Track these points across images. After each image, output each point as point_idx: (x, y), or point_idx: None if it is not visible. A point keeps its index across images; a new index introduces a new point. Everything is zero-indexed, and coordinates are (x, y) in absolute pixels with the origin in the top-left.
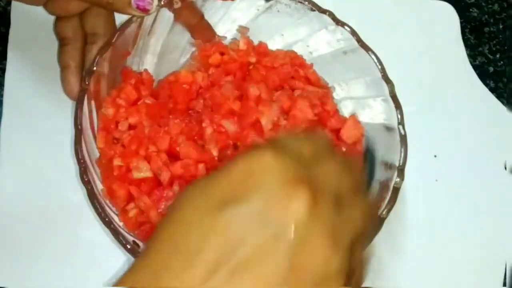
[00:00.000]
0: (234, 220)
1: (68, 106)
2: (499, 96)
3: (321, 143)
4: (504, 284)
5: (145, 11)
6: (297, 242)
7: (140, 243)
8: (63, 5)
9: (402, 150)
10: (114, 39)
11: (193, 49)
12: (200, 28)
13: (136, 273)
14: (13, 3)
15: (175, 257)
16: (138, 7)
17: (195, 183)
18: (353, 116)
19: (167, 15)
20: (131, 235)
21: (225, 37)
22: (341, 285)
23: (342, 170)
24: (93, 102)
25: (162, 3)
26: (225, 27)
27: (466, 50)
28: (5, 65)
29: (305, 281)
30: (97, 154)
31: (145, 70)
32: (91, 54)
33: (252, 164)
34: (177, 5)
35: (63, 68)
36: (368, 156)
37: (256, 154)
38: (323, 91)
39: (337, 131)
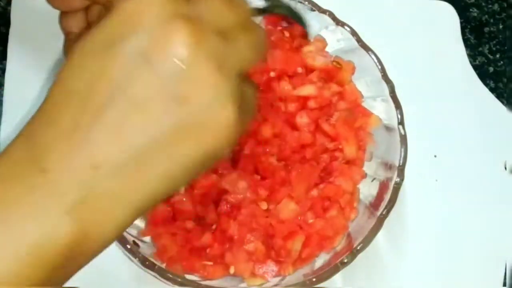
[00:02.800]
0: (119, 60)
1: None
2: (499, 96)
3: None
4: (504, 284)
5: None
6: (183, 75)
7: (140, 243)
8: (67, 0)
9: (402, 150)
10: None
11: None
12: None
13: (33, 122)
14: (13, 3)
15: (67, 103)
16: None
17: (88, 31)
18: None
19: None
20: (130, 234)
21: None
22: (233, 112)
23: (228, 4)
24: None
25: None
26: None
27: (466, 50)
28: (5, 65)
29: (195, 110)
30: None
31: None
32: None
33: (135, 3)
34: None
35: (67, 34)
36: None
37: None
38: None
39: None
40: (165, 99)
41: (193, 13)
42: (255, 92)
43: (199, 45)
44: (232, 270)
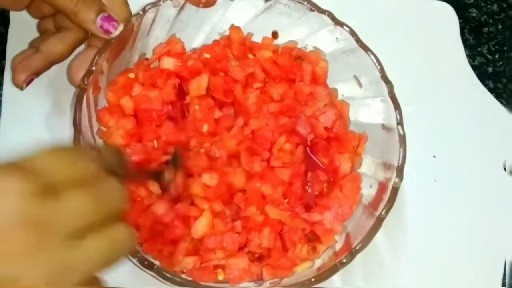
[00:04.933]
0: None
1: (67, 105)
2: (498, 96)
3: (90, 168)
4: (504, 284)
5: (108, 33)
6: (6, 282)
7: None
8: (39, 9)
9: (401, 150)
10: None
11: (192, 48)
12: None
13: None
14: None
15: None
16: (101, 27)
17: None
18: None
19: (166, 16)
20: None
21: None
22: None
23: (91, 201)
24: (91, 102)
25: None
26: (224, 27)
27: (465, 50)
28: (4, 64)
29: None
30: None
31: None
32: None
33: None
34: None
35: (42, 32)
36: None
37: (2, 173)
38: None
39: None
40: None
41: (47, 216)
42: None
43: (37, 257)
44: (220, 277)
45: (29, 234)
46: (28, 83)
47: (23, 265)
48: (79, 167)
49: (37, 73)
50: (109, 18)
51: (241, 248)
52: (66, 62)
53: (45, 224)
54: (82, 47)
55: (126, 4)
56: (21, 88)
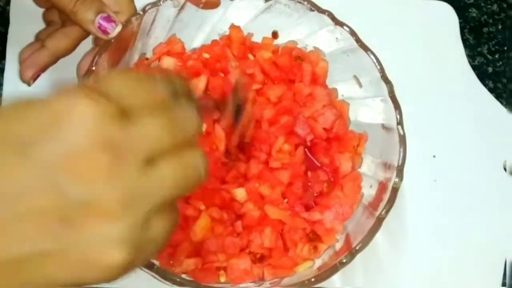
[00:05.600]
0: (20, 163)
1: None
2: (498, 97)
3: (163, 93)
4: (504, 284)
5: (105, 33)
6: (85, 200)
7: None
8: (46, 1)
9: (401, 150)
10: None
11: (192, 48)
12: None
13: None
14: (12, 3)
15: None
16: (99, 27)
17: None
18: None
19: (166, 16)
20: None
21: None
22: (123, 257)
23: (165, 124)
24: None
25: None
26: (224, 27)
27: (465, 50)
28: (4, 64)
29: (79, 240)
30: None
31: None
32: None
33: (66, 106)
34: None
35: (48, 23)
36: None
37: (74, 95)
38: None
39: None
40: (52, 217)
41: (122, 139)
42: (171, 222)
43: (114, 179)
44: (223, 279)
45: (106, 157)
46: (35, 79)
47: (99, 187)
48: (153, 91)
49: (44, 69)
50: (108, 19)
51: (242, 249)
52: (68, 59)
53: (121, 147)
54: (88, 44)
55: (132, 2)
56: (29, 84)
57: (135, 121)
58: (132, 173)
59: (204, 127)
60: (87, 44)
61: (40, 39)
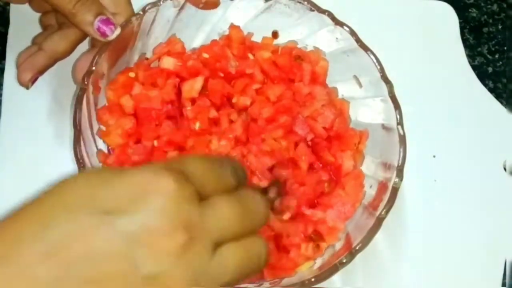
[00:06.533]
0: (103, 233)
1: (68, 105)
2: (498, 97)
3: (231, 176)
4: (504, 284)
5: (104, 35)
6: (152, 280)
7: None
8: (41, 3)
9: (401, 150)
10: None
11: (192, 48)
12: None
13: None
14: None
15: (21, 244)
16: (98, 30)
17: (85, 175)
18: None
19: (166, 16)
20: None
21: None
22: None
23: (239, 213)
24: (91, 102)
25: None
26: (224, 27)
27: (465, 50)
28: (4, 64)
29: None
30: (95, 154)
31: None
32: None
33: (150, 183)
34: None
35: (45, 27)
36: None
37: (158, 174)
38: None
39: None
40: (122, 285)
41: (198, 221)
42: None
43: (185, 259)
44: None
45: (182, 236)
46: (33, 82)
47: (170, 264)
48: (225, 177)
49: (42, 72)
50: (107, 21)
51: None
52: (66, 61)
53: (195, 228)
54: (85, 46)
55: (130, 4)
56: (27, 87)
57: (210, 204)
58: (203, 256)
59: (198, 125)
60: (84, 46)
61: (37, 42)
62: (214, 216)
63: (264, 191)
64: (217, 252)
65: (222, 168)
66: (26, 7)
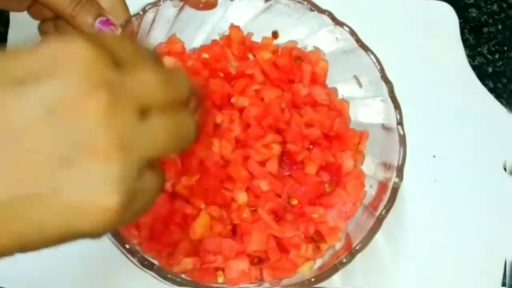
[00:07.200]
0: (19, 102)
1: None
2: (498, 97)
3: (148, 52)
4: (504, 284)
5: None
6: (81, 140)
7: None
8: (39, 11)
9: (401, 150)
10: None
11: (192, 48)
12: None
13: None
14: None
15: None
16: (99, 31)
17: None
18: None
19: (166, 16)
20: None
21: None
22: (116, 200)
23: (162, 80)
24: None
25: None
26: (224, 27)
27: (465, 50)
28: None
29: (74, 181)
30: None
31: None
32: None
33: (61, 50)
34: None
35: (43, 35)
36: None
37: (69, 40)
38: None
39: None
40: (50, 157)
41: (119, 83)
42: (159, 184)
43: (111, 120)
44: (220, 279)
45: (103, 94)
46: None
47: (95, 126)
48: (143, 51)
49: None
50: (107, 22)
51: (241, 251)
52: None
53: (117, 89)
54: None
55: (127, 8)
56: None
57: (130, 71)
58: (128, 118)
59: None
60: None
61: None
62: (137, 81)
63: None
64: (145, 118)
65: (139, 45)
66: None
